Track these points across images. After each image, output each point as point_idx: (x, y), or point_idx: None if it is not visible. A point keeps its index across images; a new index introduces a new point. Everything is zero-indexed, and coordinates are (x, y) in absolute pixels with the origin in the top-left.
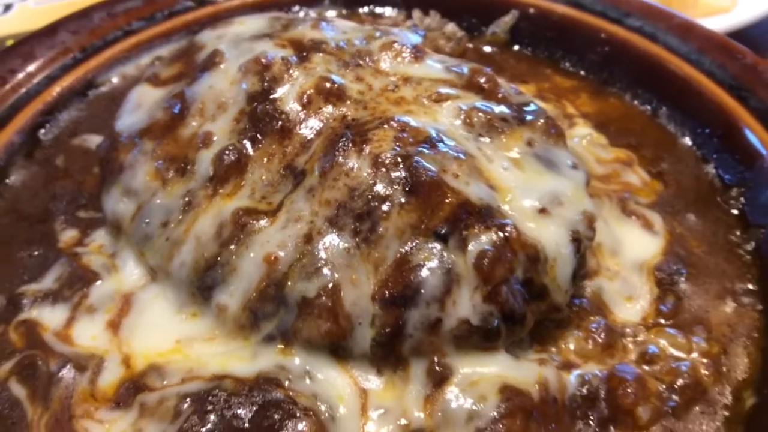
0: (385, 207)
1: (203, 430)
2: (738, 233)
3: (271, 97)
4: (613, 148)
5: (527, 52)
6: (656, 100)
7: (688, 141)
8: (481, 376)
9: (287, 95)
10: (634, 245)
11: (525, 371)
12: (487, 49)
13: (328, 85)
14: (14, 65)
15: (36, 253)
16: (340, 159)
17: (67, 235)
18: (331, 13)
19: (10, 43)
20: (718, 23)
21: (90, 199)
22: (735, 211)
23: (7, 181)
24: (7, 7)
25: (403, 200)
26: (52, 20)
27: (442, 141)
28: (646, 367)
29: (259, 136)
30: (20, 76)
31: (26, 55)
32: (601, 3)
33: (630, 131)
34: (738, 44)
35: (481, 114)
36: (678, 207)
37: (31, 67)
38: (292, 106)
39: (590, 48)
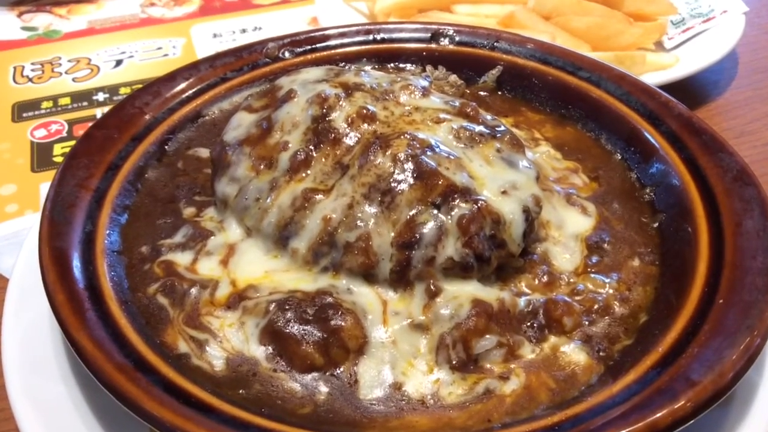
0: (400, 187)
1: (283, 319)
2: (647, 216)
3: (327, 119)
4: (565, 161)
5: (508, 95)
6: (598, 128)
7: (618, 156)
8: (460, 293)
9: (338, 118)
10: (573, 223)
11: (489, 292)
12: (481, 93)
13: (364, 111)
14: (147, 100)
15: (168, 221)
16: (372, 157)
17: (188, 210)
18: (367, 68)
19: (123, 90)
20: (661, 77)
21: (202, 189)
22: (646, 202)
23: (146, 175)
24: (119, 62)
25: (411, 182)
26: (151, 73)
27: (438, 147)
28: (574, 297)
29: (319, 144)
30: (152, 107)
31: (155, 93)
32: (561, 60)
33: (579, 150)
34: (654, 88)
35: (466, 131)
36: (607, 199)
37: (158, 101)
38: (341, 125)
39: (553, 91)
